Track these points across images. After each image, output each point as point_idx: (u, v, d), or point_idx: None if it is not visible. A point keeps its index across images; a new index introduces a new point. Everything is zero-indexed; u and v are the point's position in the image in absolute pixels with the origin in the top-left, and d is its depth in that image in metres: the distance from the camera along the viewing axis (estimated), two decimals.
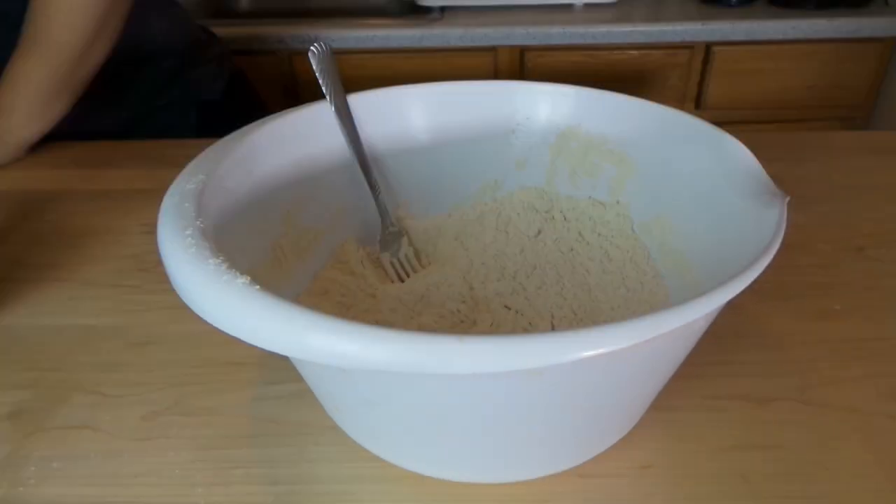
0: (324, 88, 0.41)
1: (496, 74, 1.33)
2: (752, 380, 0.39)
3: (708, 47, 1.30)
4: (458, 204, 0.49)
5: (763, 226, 0.29)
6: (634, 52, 1.30)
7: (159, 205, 0.29)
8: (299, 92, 1.34)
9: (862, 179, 0.61)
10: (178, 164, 0.32)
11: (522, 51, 1.30)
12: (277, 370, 0.40)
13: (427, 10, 1.37)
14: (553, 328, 0.41)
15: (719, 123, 0.38)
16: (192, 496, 0.33)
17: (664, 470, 0.34)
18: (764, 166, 0.34)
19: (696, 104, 1.38)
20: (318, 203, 0.42)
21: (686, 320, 0.22)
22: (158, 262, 0.25)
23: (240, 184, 0.34)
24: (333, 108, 0.41)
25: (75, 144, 0.71)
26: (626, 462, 0.34)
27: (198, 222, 0.27)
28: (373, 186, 0.44)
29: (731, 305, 0.25)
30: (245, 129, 0.37)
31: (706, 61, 1.32)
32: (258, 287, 0.22)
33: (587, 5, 1.36)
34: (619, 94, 0.43)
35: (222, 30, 1.15)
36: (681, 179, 0.39)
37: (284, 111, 0.40)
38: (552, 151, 0.47)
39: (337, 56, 0.43)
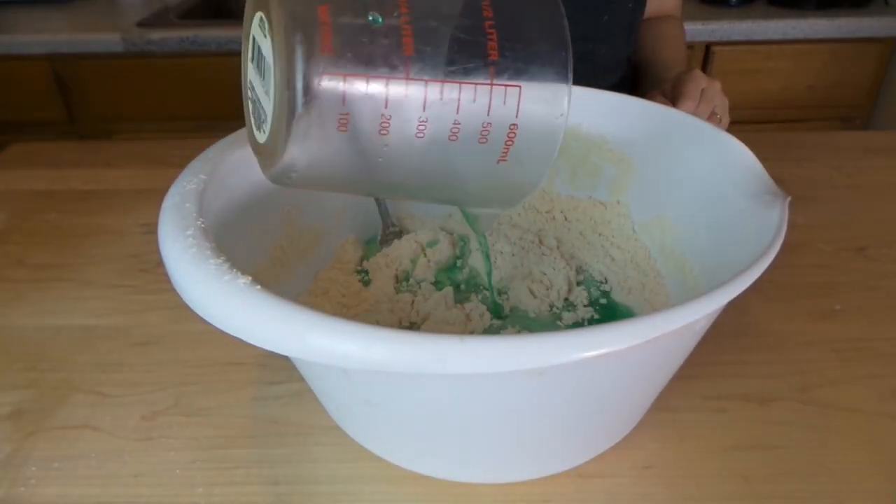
0: None
1: None
2: (752, 380, 0.39)
3: (708, 47, 1.30)
4: None
5: (764, 226, 0.29)
6: None
7: (159, 205, 0.28)
8: None
9: (862, 179, 0.61)
10: (178, 164, 0.32)
11: None
12: (277, 370, 0.40)
13: None
14: None
15: None
16: (192, 496, 0.33)
17: (664, 470, 0.34)
18: (764, 166, 0.34)
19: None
20: (318, 203, 0.42)
21: (687, 321, 0.22)
22: (158, 262, 0.25)
23: (240, 184, 0.34)
24: None
25: (75, 144, 0.71)
26: (626, 462, 0.34)
27: (199, 222, 0.27)
28: None
29: (731, 305, 0.25)
30: (245, 129, 0.37)
31: (706, 61, 1.32)
32: (259, 287, 0.22)
33: None
34: (619, 94, 0.43)
35: (221, 31, 1.15)
36: (681, 179, 0.39)
37: None
38: None
39: None
